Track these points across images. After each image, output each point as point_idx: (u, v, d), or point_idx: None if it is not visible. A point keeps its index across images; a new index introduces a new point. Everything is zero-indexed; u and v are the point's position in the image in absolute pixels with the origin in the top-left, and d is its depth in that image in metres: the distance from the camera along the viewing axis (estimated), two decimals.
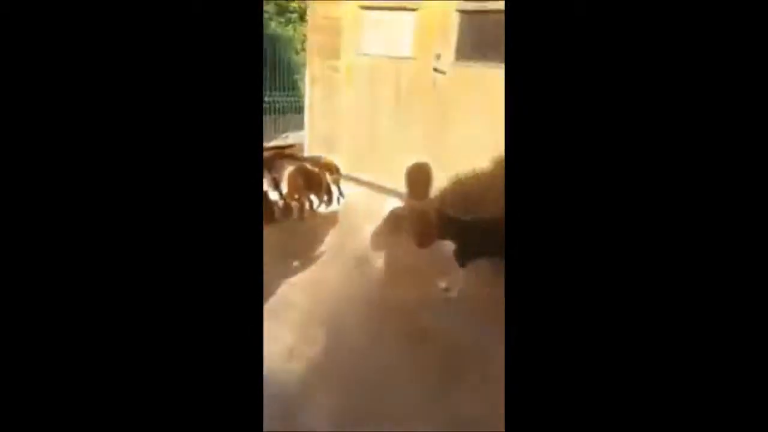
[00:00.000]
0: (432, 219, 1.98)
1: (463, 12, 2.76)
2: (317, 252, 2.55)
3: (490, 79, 2.69)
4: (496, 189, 2.79)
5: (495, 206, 2.73)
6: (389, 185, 3.37)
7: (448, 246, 2.07)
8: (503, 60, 2.60)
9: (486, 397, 1.46)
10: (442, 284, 2.20)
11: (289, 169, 2.83)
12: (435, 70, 2.89)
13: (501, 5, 2.53)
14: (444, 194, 3.12)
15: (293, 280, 2.21)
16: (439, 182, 3.13)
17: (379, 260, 2.20)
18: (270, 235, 1.73)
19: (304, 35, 4.59)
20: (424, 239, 2.01)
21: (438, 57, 2.86)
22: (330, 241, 2.69)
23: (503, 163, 2.72)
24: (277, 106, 5.18)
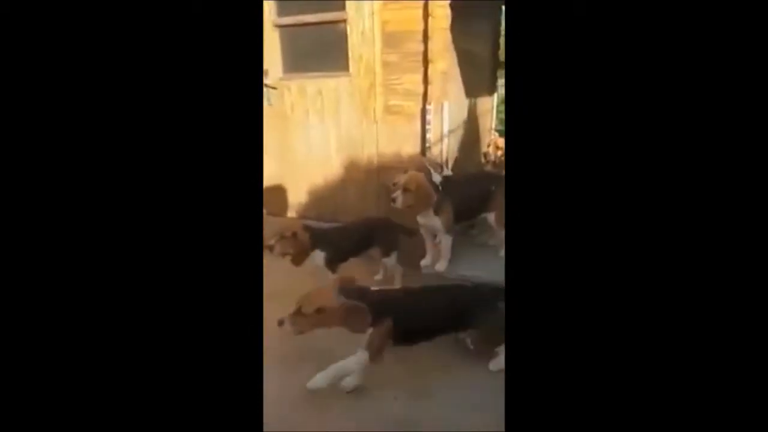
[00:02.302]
0: (301, 237, 2.03)
1: (280, 27, 2.81)
2: None
3: (322, 88, 2.83)
4: (348, 192, 2.96)
5: (350, 209, 2.90)
6: None
7: (318, 256, 2.14)
8: (328, 68, 2.77)
9: (365, 409, 1.58)
10: None
11: None
12: (266, 86, 2.89)
13: (318, 17, 2.67)
14: (303, 208, 3.17)
15: None
16: (295, 197, 3.17)
17: None
18: None
19: None
20: (297, 257, 2.05)
21: (266, 73, 2.86)
22: None
23: (350, 167, 2.90)
24: None
